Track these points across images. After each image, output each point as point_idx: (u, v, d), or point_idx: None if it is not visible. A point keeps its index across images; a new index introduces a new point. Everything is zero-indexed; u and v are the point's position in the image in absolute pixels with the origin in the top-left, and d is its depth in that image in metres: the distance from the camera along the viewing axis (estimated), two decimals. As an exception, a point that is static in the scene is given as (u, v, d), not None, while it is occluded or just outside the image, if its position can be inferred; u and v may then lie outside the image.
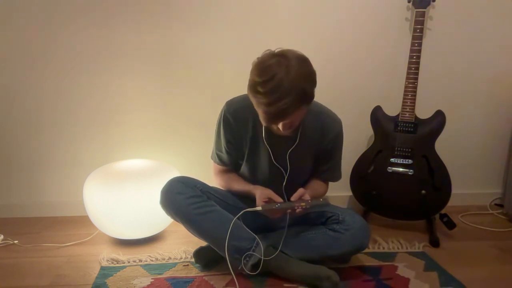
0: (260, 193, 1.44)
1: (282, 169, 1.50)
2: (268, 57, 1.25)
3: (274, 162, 1.49)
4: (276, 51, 1.26)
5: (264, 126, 1.44)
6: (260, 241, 1.43)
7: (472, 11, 1.97)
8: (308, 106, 1.30)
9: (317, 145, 1.51)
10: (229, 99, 1.51)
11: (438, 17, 1.96)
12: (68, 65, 1.87)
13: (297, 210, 1.38)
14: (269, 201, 1.41)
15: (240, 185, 1.55)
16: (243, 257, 1.42)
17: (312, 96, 1.28)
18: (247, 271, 1.42)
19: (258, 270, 1.41)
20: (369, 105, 1.88)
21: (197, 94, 1.95)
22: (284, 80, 1.19)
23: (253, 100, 1.28)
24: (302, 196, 1.40)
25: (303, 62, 1.25)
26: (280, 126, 1.29)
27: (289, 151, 1.48)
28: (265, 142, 1.46)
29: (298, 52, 1.27)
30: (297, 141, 1.47)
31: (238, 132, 1.49)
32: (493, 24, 2.00)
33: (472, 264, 1.61)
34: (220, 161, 1.58)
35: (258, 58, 1.28)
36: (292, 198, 1.40)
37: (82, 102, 1.92)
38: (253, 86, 1.24)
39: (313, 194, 1.48)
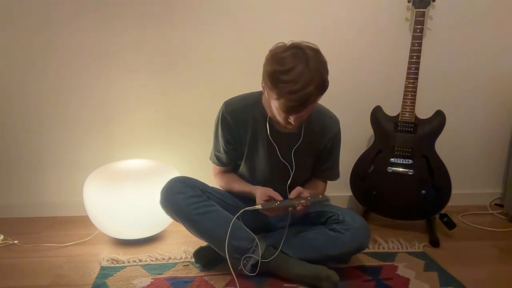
0: (261, 192, 1.43)
1: (288, 165, 1.50)
2: (282, 49, 1.26)
3: (281, 159, 1.49)
4: (288, 43, 1.28)
5: (268, 124, 1.44)
6: (259, 242, 1.42)
7: (472, 11, 1.97)
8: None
9: (317, 143, 1.52)
10: (226, 99, 1.50)
11: (438, 17, 1.96)
12: (68, 65, 1.87)
13: (298, 208, 1.38)
14: (270, 199, 1.41)
15: (241, 186, 1.55)
16: (243, 257, 1.41)
17: (328, 85, 1.28)
18: (246, 272, 1.42)
19: (257, 271, 1.41)
20: (369, 105, 1.88)
21: (198, 94, 1.95)
22: (305, 69, 1.21)
23: (274, 90, 1.25)
24: (300, 194, 1.40)
25: (317, 52, 1.27)
26: (292, 118, 1.30)
27: (294, 148, 1.48)
28: (271, 139, 1.46)
29: (309, 43, 1.28)
30: (301, 138, 1.47)
31: (238, 132, 1.49)
32: (493, 24, 2.00)
33: (472, 264, 1.61)
34: (219, 162, 1.58)
35: (271, 50, 1.28)
36: (290, 196, 1.40)
37: (82, 102, 1.92)
38: (274, 76, 1.24)
39: (313, 194, 1.48)
